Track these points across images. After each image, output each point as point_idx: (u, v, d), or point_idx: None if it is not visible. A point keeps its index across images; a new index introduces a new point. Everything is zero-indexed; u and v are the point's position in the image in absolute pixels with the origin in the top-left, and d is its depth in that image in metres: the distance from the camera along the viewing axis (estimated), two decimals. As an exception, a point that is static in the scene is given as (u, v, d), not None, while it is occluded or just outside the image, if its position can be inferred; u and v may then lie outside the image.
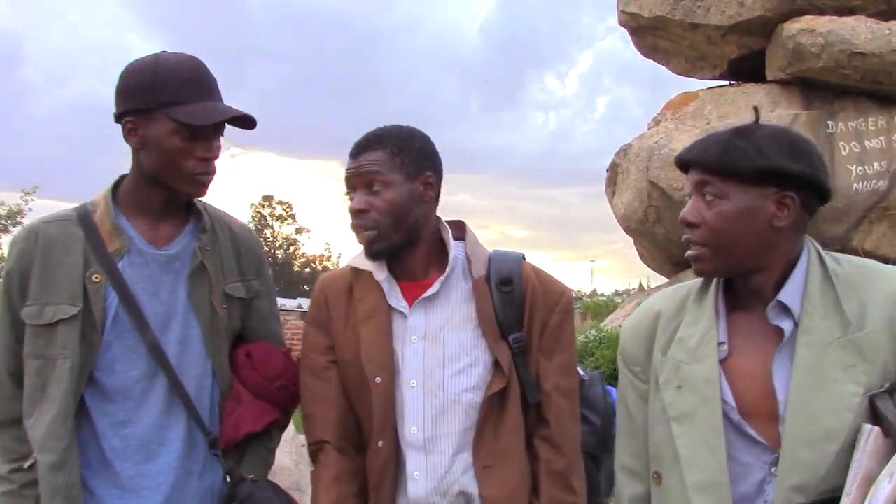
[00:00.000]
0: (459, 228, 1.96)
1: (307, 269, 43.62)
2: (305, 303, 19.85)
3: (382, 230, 1.82)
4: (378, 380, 1.81)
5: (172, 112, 1.78)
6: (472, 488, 1.81)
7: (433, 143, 1.96)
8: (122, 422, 1.83)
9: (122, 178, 1.95)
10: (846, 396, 1.45)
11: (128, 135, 1.85)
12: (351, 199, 1.87)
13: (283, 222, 44.56)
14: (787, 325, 1.53)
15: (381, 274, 1.89)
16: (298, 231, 45.27)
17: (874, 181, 8.32)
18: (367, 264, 1.90)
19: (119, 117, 1.86)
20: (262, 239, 38.97)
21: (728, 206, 1.52)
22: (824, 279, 1.53)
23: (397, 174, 1.83)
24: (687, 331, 1.64)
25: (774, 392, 1.52)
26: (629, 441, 1.76)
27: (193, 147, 1.82)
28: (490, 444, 1.81)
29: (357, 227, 1.85)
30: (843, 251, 1.53)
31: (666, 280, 9.90)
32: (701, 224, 1.56)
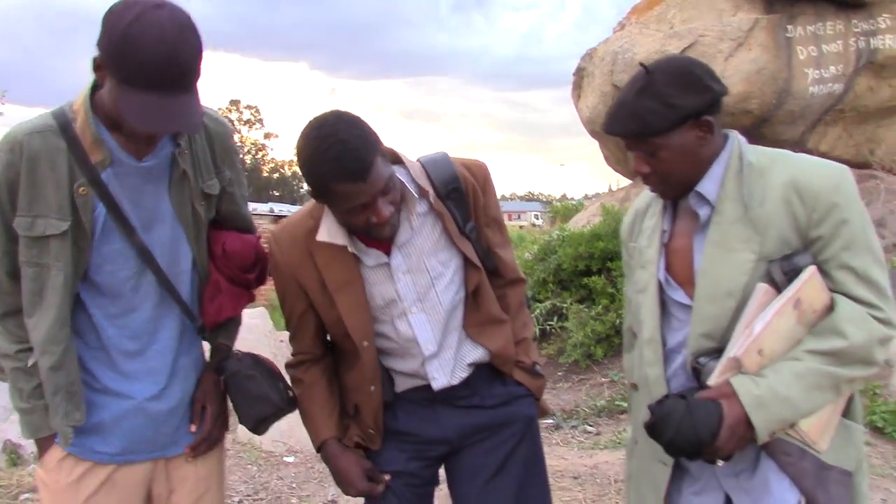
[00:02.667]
0: (393, 155, 2.05)
1: (276, 175, 43.30)
2: (277, 206, 19.89)
3: (396, 223, 1.95)
4: (365, 343, 2.07)
5: (124, 90, 1.70)
6: (475, 353, 2.14)
7: None
8: (115, 315, 1.97)
9: (98, 84, 1.87)
10: (742, 263, 1.76)
11: (93, 66, 1.78)
12: (360, 214, 1.88)
13: (251, 127, 44.01)
14: (703, 211, 1.83)
15: (343, 239, 1.99)
16: (266, 136, 44.82)
17: (830, 84, 8.54)
18: (339, 238, 1.99)
19: (97, 43, 1.74)
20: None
21: (665, 153, 1.79)
22: (738, 171, 1.81)
23: (389, 168, 1.91)
24: (647, 222, 2.01)
25: (693, 263, 1.85)
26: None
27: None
28: (477, 316, 2.15)
29: (380, 228, 1.91)
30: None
31: (630, 182, 10.18)
32: (651, 172, 1.84)
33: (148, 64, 1.65)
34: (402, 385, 2.16)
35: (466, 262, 2.12)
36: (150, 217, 1.96)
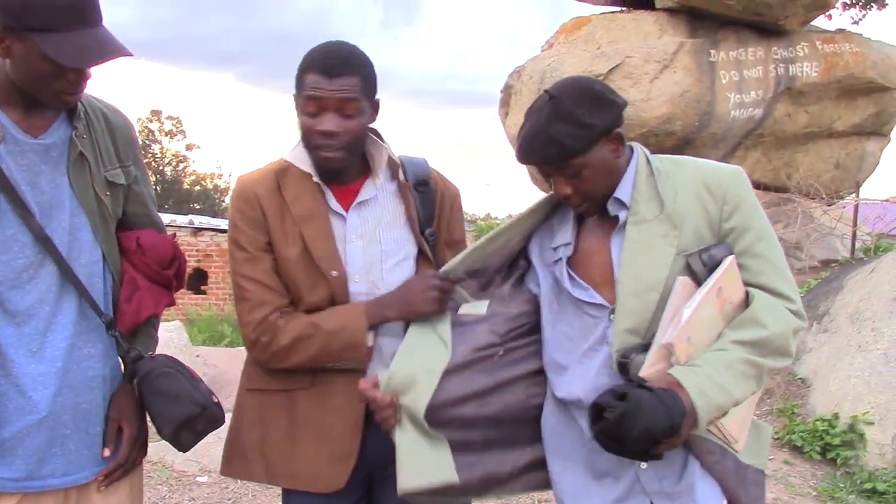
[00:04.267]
0: (376, 135, 2.08)
1: (197, 187, 42.46)
2: (197, 219, 19.42)
3: (346, 152, 1.94)
4: (334, 273, 1.96)
5: (41, 40, 1.67)
6: None
7: None
8: (11, 312, 1.79)
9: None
10: (662, 257, 1.82)
11: None
12: (314, 118, 1.92)
13: (172, 138, 43.03)
14: (622, 214, 1.88)
15: (309, 168, 1.99)
16: (188, 147, 43.82)
17: (750, 109, 8.77)
18: (305, 165, 1.98)
19: None
20: (150, 155, 37.52)
21: (588, 172, 1.82)
22: (649, 175, 1.88)
23: (366, 101, 1.94)
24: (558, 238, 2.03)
25: (611, 263, 1.88)
26: None
27: (64, 72, 1.73)
28: None
29: (322, 147, 1.92)
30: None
31: (555, 201, 10.22)
32: (573, 193, 1.85)
33: (62, 3, 1.68)
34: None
35: (420, 254, 2.07)
36: (49, 202, 1.81)
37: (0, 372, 1.79)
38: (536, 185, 10.50)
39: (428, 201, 2.09)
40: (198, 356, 6.51)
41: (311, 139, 1.94)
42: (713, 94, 8.55)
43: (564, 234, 1.96)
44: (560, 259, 1.95)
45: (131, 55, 1.82)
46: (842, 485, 4.77)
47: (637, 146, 1.94)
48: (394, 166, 2.07)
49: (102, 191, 1.90)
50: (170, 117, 43.26)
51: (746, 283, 1.82)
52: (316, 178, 1.99)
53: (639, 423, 1.65)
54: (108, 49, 1.76)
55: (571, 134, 1.78)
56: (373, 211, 2.03)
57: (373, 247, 2.01)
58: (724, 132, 8.70)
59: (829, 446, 5.07)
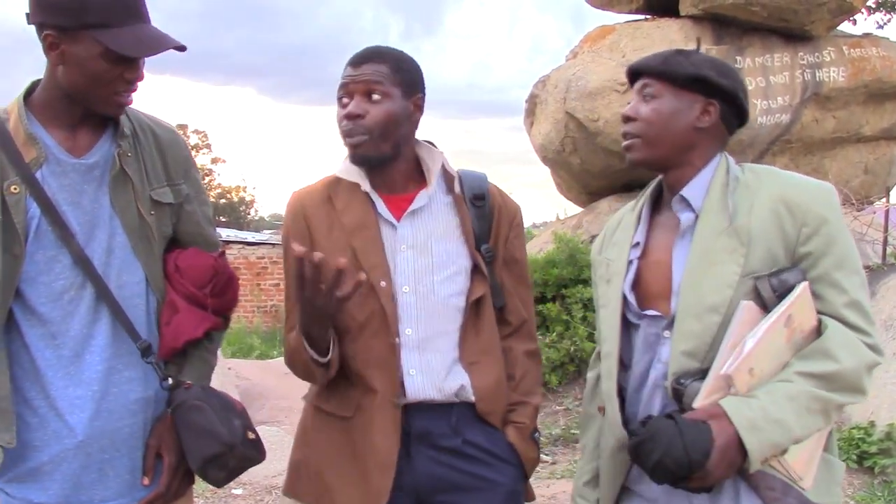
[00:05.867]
0: (431, 144, 2.07)
1: (223, 200, 42.76)
2: (224, 232, 19.55)
3: (374, 137, 1.91)
4: (383, 284, 1.91)
5: (100, 35, 1.70)
6: (464, 380, 1.93)
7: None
8: (52, 334, 1.78)
9: (35, 83, 1.85)
10: (727, 276, 1.68)
11: (48, 48, 1.74)
12: (344, 107, 1.92)
13: (198, 152, 43.38)
14: (685, 217, 1.78)
15: (366, 185, 1.97)
16: (214, 161, 44.21)
17: (777, 115, 8.70)
18: (354, 175, 1.97)
19: (38, 29, 1.75)
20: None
21: (661, 104, 1.78)
22: (725, 183, 1.76)
23: (396, 88, 1.93)
24: (618, 236, 1.95)
25: (671, 275, 1.77)
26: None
27: (121, 70, 1.75)
28: (473, 343, 1.97)
29: (349, 132, 1.91)
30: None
31: (581, 209, 10.20)
32: (637, 118, 1.81)
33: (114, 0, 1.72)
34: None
35: (476, 269, 2.00)
36: (91, 221, 1.81)
37: (40, 395, 1.79)
38: (562, 193, 10.49)
39: (484, 216, 2.03)
40: (230, 368, 6.55)
41: (341, 129, 1.94)
42: (740, 100, 8.50)
43: (628, 232, 1.91)
44: (630, 261, 1.87)
45: (185, 48, 1.83)
46: (879, 493, 4.70)
47: (724, 155, 1.84)
48: (449, 178, 2.04)
49: (147, 210, 1.88)
50: (196, 131, 43.67)
51: (819, 313, 1.67)
52: (365, 187, 1.96)
53: (653, 454, 1.57)
54: (165, 40, 1.79)
55: (680, 61, 1.78)
56: (426, 222, 1.98)
57: (424, 258, 1.95)
58: (751, 138, 8.64)
59: (865, 454, 5.01)
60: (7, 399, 1.74)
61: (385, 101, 1.91)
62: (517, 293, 2.10)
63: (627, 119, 1.84)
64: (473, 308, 1.99)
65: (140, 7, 1.78)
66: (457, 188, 2.03)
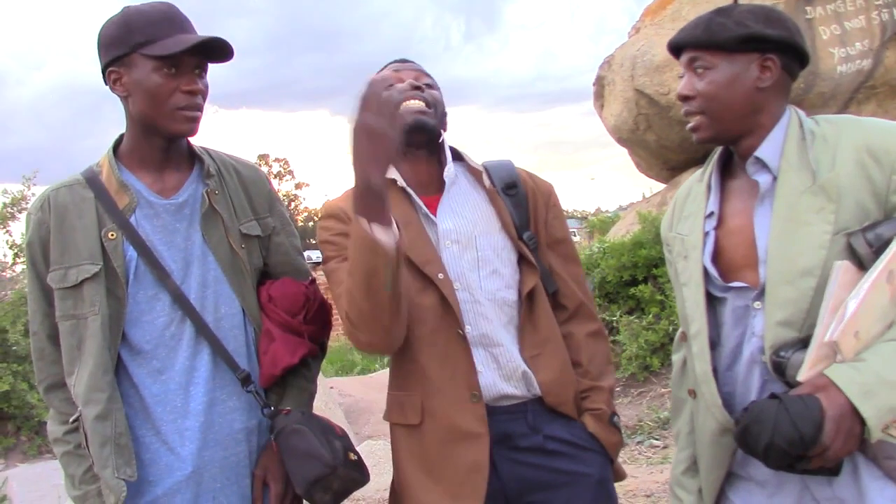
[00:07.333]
0: (453, 152, 2.04)
1: (311, 223, 43.68)
2: (314, 253, 19.90)
3: (435, 109, 1.99)
4: (441, 276, 1.86)
5: (148, 50, 1.79)
6: (529, 374, 1.89)
7: None
8: (157, 370, 1.85)
9: (121, 136, 1.95)
10: (818, 235, 1.58)
11: (113, 86, 1.85)
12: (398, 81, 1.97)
13: (282, 179, 44.47)
14: (763, 179, 1.68)
15: (401, 181, 1.93)
16: (298, 186, 45.22)
17: (858, 61, 8.32)
18: (392, 173, 1.88)
19: (104, 73, 1.86)
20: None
21: (717, 75, 1.68)
22: (801, 138, 1.66)
23: (438, 92, 2.06)
24: (689, 208, 1.85)
25: (755, 241, 1.67)
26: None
27: (176, 81, 1.81)
28: (531, 335, 1.92)
29: (411, 97, 1.94)
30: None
31: (665, 186, 10.01)
32: (695, 95, 1.71)
33: (158, 14, 1.83)
34: None
35: (522, 259, 1.95)
36: (185, 258, 1.89)
37: (150, 431, 1.86)
38: (642, 172, 10.31)
39: (520, 203, 2.00)
40: (332, 388, 6.66)
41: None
42: (815, 52, 8.18)
43: (699, 203, 1.80)
44: (707, 233, 1.77)
45: (228, 42, 1.87)
46: None
47: (792, 108, 1.74)
48: (476, 174, 2.01)
49: (238, 244, 1.95)
50: (277, 159, 44.82)
51: None
52: (401, 182, 1.92)
53: (762, 436, 1.48)
54: (205, 37, 1.84)
55: (723, 23, 1.67)
56: (466, 217, 1.95)
57: (469, 252, 1.91)
58: (832, 90, 8.30)
59: None
60: (125, 435, 1.80)
61: (435, 90, 2.03)
62: (568, 273, 2.04)
63: (685, 98, 1.74)
64: (527, 300, 1.94)
65: (184, 20, 1.87)
66: (486, 182, 2.00)
